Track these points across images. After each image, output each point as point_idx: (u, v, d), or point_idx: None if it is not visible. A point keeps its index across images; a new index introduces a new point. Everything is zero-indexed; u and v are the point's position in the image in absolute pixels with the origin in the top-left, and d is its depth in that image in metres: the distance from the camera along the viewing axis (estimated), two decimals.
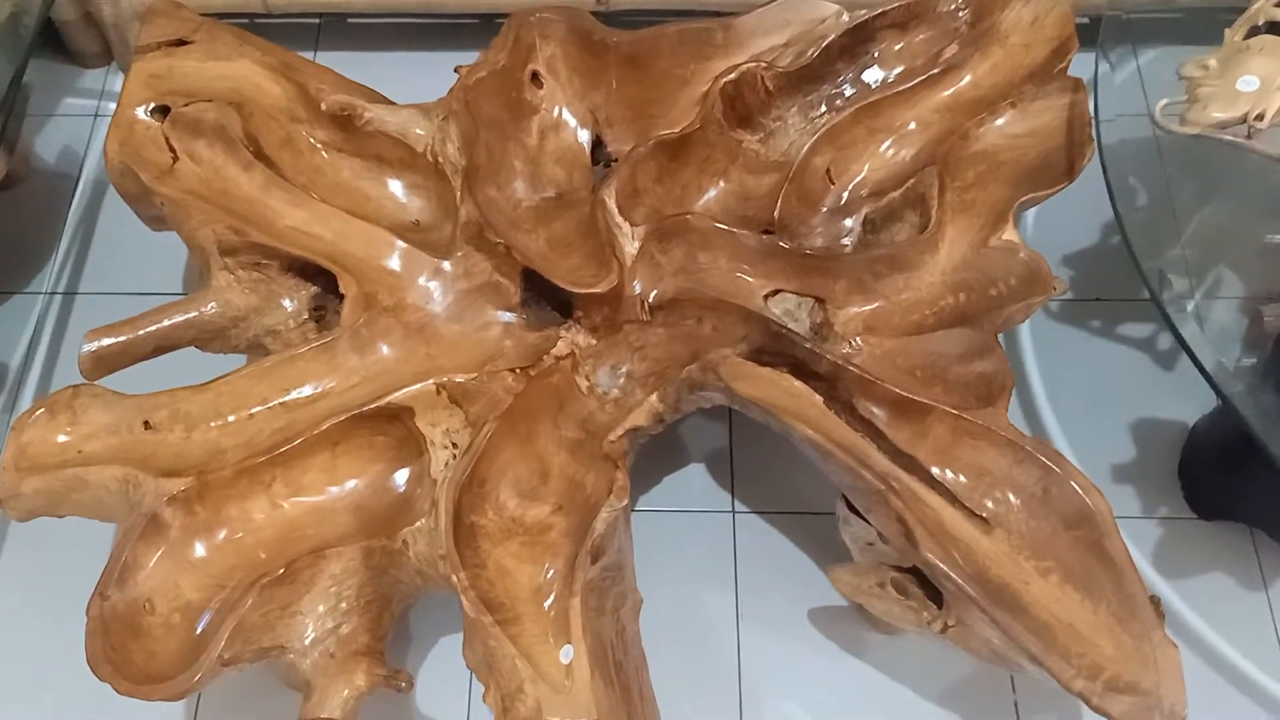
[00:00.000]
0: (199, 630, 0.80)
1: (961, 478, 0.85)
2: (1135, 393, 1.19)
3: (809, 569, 1.11)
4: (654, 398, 0.94)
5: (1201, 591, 1.09)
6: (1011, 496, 0.84)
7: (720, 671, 1.05)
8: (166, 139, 0.96)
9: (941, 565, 0.80)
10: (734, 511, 1.15)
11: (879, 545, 0.90)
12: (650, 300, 0.95)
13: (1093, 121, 0.95)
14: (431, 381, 0.89)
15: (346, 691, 0.81)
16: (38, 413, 0.85)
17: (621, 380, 0.95)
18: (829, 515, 1.13)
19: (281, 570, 0.80)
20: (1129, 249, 0.88)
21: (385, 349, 0.91)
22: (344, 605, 0.84)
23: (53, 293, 1.27)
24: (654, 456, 1.15)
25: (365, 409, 0.87)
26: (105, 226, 1.31)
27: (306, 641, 0.82)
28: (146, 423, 0.86)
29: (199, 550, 0.83)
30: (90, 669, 0.77)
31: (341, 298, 0.92)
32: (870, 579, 0.89)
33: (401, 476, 0.89)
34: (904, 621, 0.88)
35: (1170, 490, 1.14)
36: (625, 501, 0.84)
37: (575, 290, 0.91)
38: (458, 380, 0.89)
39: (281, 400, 0.88)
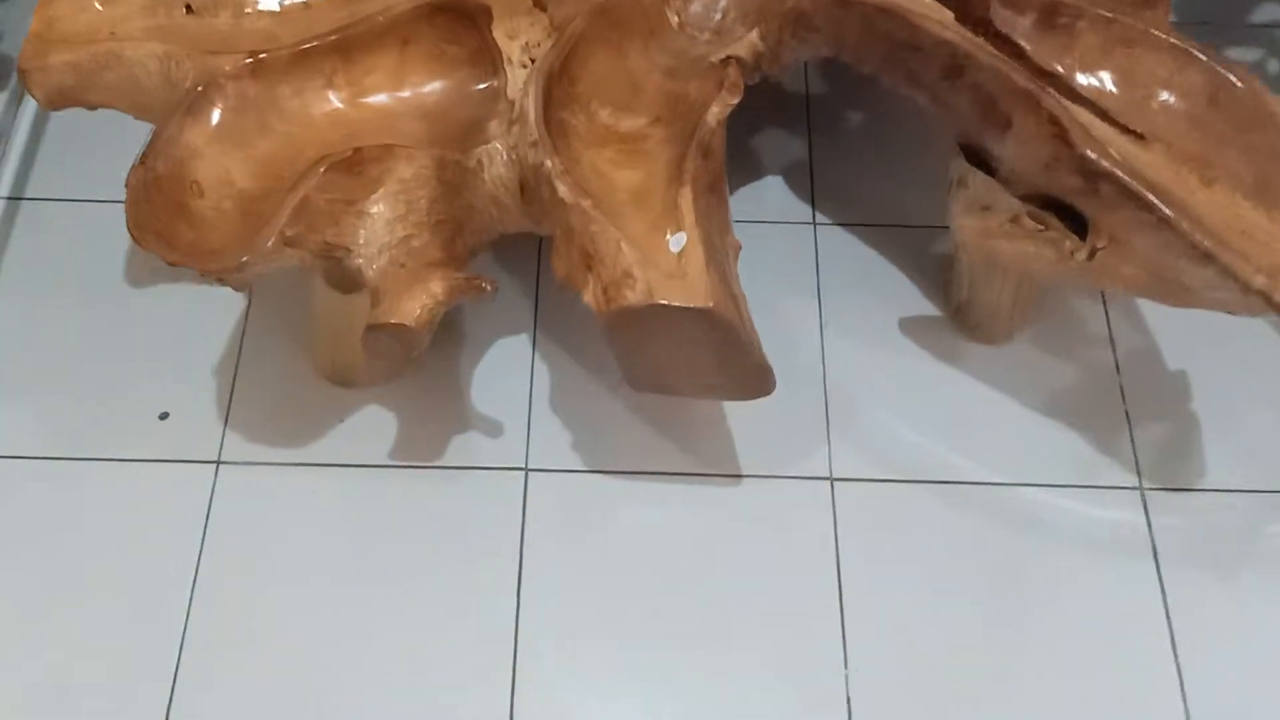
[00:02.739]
0: (257, 214, 0.69)
1: (1114, 89, 0.75)
2: None
3: (897, 279, 1.02)
4: (754, 34, 0.84)
5: None
6: (1172, 106, 0.74)
7: (804, 377, 0.97)
8: None
9: (1101, 160, 0.70)
10: (815, 223, 1.05)
11: (1000, 204, 0.80)
12: None
13: None
14: None
15: (424, 298, 0.71)
16: None
17: (718, 18, 0.85)
18: (917, 229, 1.04)
19: (349, 152, 0.70)
20: None
21: None
22: (414, 217, 0.74)
23: None
24: (728, 168, 1.06)
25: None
26: None
27: (375, 247, 0.72)
28: (189, 6, 0.75)
29: (253, 138, 0.72)
30: (132, 237, 0.66)
31: None
32: (1000, 217, 0.79)
33: (475, 92, 0.79)
34: (1040, 261, 0.78)
35: None
36: (739, 99, 0.74)
37: None
38: None
39: None
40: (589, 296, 0.68)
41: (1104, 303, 1.01)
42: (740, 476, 0.93)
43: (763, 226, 1.05)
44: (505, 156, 0.76)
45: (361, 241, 0.72)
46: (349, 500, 0.91)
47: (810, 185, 1.07)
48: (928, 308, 1.01)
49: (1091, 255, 0.74)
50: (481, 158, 0.76)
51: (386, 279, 0.71)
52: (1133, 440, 0.95)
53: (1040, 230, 0.77)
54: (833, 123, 1.11)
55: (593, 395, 0.96)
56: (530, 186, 0.76)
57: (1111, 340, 0.99)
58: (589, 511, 0.91)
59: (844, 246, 1.04)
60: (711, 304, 0.65)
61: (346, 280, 0.73)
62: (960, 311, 0.98)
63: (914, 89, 0.83)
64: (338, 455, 0.92)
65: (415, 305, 0.71)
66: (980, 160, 0.83)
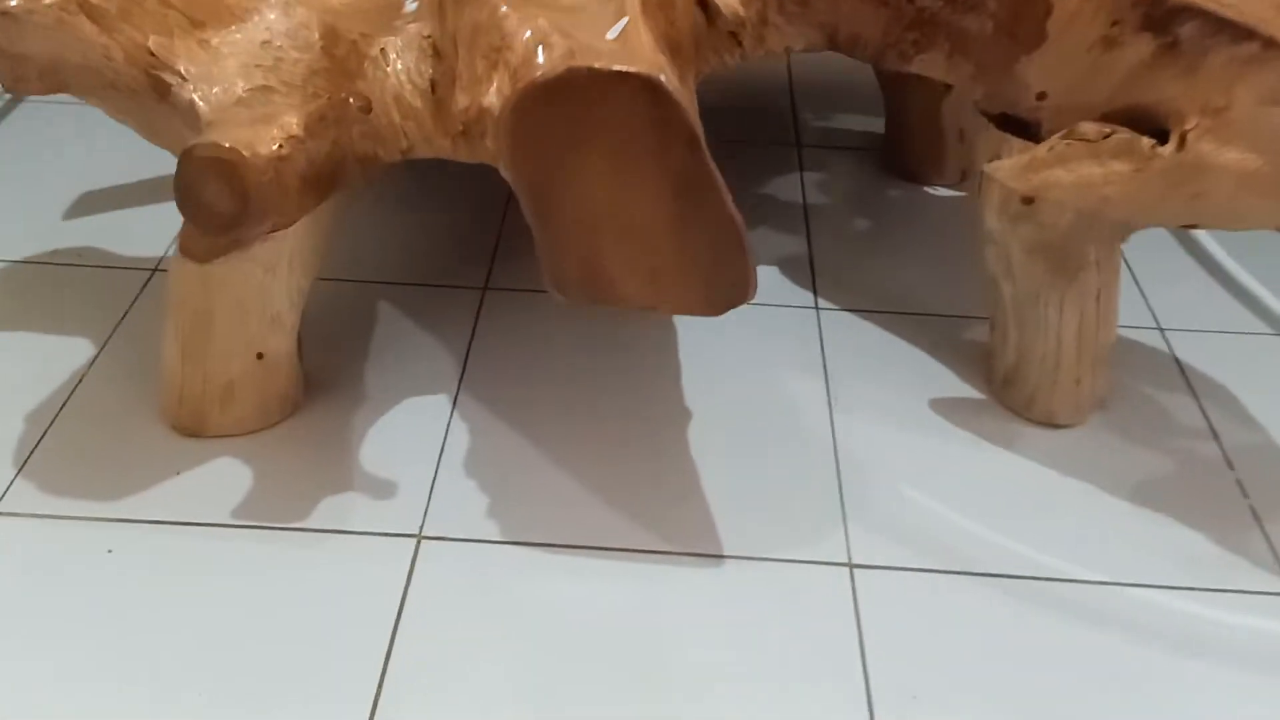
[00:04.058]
0: None
1: None
2: None
3: (918, 362, 0.82)
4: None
5: None
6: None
7: (811, 455, 0.73)
8: None
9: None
10: (818, 308, 0.86)
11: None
12: None
13: None
14: None
15: (275, 131, 0.51)
16: None
17: None
18: (936, 317, 0.86)
19: None
20: None
21: None
22: (283, 76, 0.56)
23: None
24: None
25: None
26: None
27: (217, 86, 0.54)
28: None
29: None
30: None
31: None
32: (1047, 144, 0.61)
33: None
34: (1112, 182, 0.58)
35: None
36: None
37: None
38: None
39: None
40: (491, 96, 0.49)
41: (1195, 394, 0.79)
42: (721, 557, 0.66)
43: (759, 310, 0.85)
44: (418, 48, 0.60)
45: (196, 74, 0.54)
46: (157, 562, 0.64)
47: (811, 273, 0.90)
48: (957, 389, 0.78)
49: (1181, 143, 0.55)
50: (387, 47, 0.60)
51: (226, 113, 0.53)
52: (1268, 539, 0.68)
53: (1105, 137, 0.58)
54: (833, 228, 0.95)
55: (522, 461, 0.72)
56: (442, 82, 0.59)
57: (1214, 432, 0.76)
58: (499, 591, 0.63)
59: (852, 331, 0.84)
60: (661, 76, 0.46)
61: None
62: (1009, 383, 0.76)
63: (925, 50, 0.69)
64: (157, 511, 0.67)
65: (261, 137, 0.51)
66: (1017, 123, 0.66)
